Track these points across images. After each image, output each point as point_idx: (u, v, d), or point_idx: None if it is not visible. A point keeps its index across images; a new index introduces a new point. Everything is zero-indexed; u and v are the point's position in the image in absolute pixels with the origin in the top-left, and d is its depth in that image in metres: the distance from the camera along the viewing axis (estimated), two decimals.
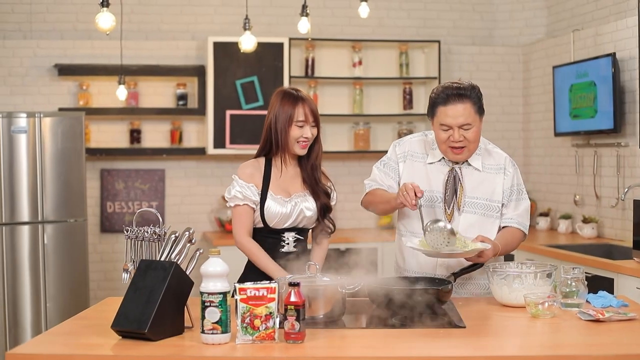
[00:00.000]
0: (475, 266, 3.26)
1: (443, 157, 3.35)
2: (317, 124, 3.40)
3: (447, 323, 2.83)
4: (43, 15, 6.63)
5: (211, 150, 6.48)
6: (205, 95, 6.51)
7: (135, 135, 6.60)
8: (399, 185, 3.38)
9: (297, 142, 3.37)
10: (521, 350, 2.53)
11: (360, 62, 6.79)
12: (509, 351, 2.53)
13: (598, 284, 4.56)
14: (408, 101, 6.88)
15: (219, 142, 6.45)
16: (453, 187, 3.32)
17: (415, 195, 3.10)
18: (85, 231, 5.83)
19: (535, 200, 6.81)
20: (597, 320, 2.81)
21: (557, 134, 6.21)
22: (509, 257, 5.60)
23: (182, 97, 6.65)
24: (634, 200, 4.57)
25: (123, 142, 6.64)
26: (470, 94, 3.23)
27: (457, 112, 3.21)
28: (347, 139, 6.89)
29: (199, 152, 6.61)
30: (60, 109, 6.32)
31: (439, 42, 6.77)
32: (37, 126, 5.66)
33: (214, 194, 6.75)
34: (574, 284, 3.06)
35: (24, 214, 5.64)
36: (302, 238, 3.45)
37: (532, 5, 7.09)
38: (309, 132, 3.36)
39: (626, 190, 5.15)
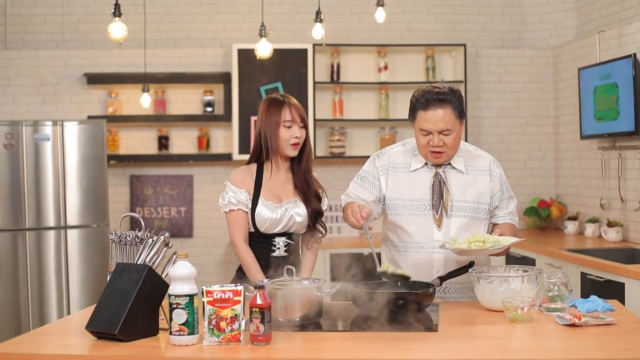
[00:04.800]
0: (461, 270, 3.26)
1: (426, 163, 3.35)
2: (305, 125, 3.44)
3: (420, 327, 2.83)
4: (75, 25, 6.80)
5: (236, 156, 6.56)
6: (231, 102, 6.60)
7: (163, 141, 6.72)
8: (379, 199, 3.40)
9: (289, 143, 3.41)
10: (484, 354, 2.52)
11: (386, 67, 6.80)
12: (470, 355, 2.52)
13: (609, 288, 4.49)
14: None
15: (243, 148, 6.53)
16: (439, 191, 3.32)
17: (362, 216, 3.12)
18: (107, 236, 5.95)
19: (565, 204, 6.72)
20: (574, 325, 2.78)
21: (582, 137, 6.13)
22: (530, 262, 5.55)
23: (209, 104, 6.75)
24: None
25: (151, 148, 6.76)
26: (450, 99, 3.21)
27: (436, 117, 3.19)
28: (374, 143, 6.89)
29: (225, 158, 6.69)
30: (90, 117, 6.48)
31: (464, 45, 6.73)
32: (60, 134, 5.81)
33: None
34: (557, 288, 3.03)
35: (49, 219, 5.80)
36: (292, 243, 3.48)
37: (562, 7, 7.00)
38: (297, 131, 3.41)
39: None
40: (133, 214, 3.12)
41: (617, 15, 6.10)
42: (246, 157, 6.43)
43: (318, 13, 5.27)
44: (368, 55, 6.88)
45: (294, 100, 3.47)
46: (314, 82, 6.60)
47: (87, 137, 5.91)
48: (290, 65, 6.55)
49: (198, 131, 6.79)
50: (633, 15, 5.85)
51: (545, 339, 2.67)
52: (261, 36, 5.39)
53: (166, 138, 6.74)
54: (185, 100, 6.82)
